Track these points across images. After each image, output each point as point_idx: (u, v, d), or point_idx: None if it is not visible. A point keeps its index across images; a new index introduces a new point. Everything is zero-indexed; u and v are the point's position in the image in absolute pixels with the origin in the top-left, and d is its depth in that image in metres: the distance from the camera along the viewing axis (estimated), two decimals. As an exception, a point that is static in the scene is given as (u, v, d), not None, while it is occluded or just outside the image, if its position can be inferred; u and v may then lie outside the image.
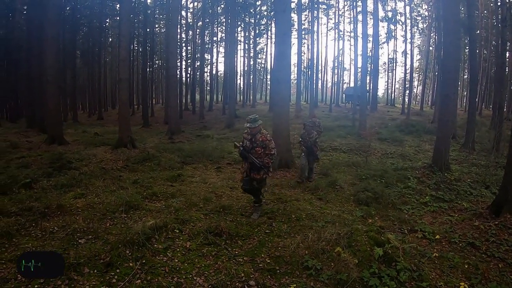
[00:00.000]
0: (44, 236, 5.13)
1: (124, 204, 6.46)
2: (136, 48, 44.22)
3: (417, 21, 42.29)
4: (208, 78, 54.79)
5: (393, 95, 55.34)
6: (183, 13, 41.21)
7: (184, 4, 41.76)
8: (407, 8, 39.35)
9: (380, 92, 64.20)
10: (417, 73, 58.21)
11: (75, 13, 34.12)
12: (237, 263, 4.57)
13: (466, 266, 4.80)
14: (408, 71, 37.18)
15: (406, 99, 33.54)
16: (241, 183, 6.51)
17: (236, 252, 4.89)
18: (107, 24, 44.12)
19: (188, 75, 46.29)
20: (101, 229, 5.47)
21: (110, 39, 50.05)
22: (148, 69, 38.53)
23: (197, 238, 5.24)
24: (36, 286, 3.77)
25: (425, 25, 41.88)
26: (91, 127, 26.71)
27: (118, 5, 34.14)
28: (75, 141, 16.63)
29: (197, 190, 8.08)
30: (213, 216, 6.20)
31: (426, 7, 40.73)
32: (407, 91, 34.65)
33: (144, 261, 4.46)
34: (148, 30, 36.17)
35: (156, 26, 44.96)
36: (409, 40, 39.01)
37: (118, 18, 33.66)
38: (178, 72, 30.93)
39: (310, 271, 4.34)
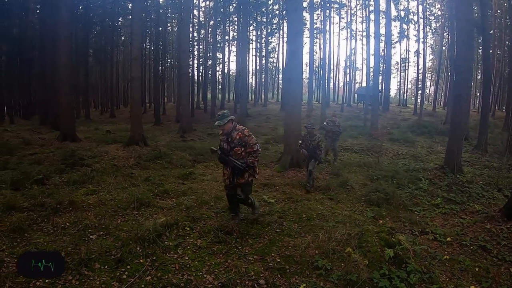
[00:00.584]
0: (56, 232, 5.21)
1: (136, 201, 6.53)
2: (148, 46, 44.45)
3: (430, 20, 41.94)
4: (220, 77, 55.00)
5: (405, 95, 54.92)
6: (195, 12, 41.35)
7: (196, 3, 41.88)
8: (420, 7, 39.07)
9: (392, 92, 63.82)
10: (429, 73, 57.66)
11: (88, 12, 34.37)
12: (247, 261, 4.58)
13: (476, 269, 4.75)
14: (420, 71, 36.89)
15: (419, 100, 33.32)
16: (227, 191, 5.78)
17: (247, 251, 4.90)
18: (120, 23, 44.48)
19: (200, 74, 46.47)
20: (112, 225, 5.54)
21: (123, 38, 50.38)
22: (160, 68, 38.75)
23: (207, 236, 5.27)
24: (47, 280, 3.82)
25: (438, 25, 41.49)
26: (103, 124, 26.92)
27: (130, 4, 34.37)
28: (87, 138, 16.79)
29: (208, 188, 8.12)
30: (224, 214, 6.21)
31: (439, 6, 40.38)
32: (420, 92, 34.40)
33: (154, 257, 4.51)
34: (160, 29, 36.34)
35: (168, 25, 45.18)
36: (421, 40, 38.73)
37: (130, 17, 33.87)
38: (190, 71, 31.01)
39: (320, 271, 4.33)
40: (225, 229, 5.40)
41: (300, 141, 8.85)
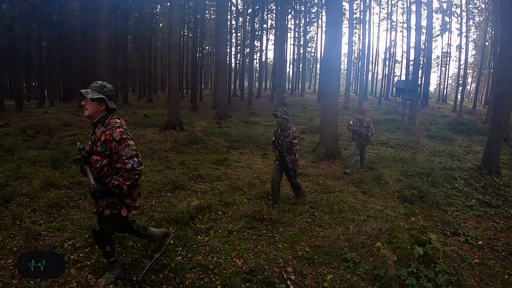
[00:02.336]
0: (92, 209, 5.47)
1: (170, 184, 6.73)
2: (186, 33, 44.95)
3: (473, 13, 40.04)
4: (257, 65, 54.93)
5: (445, 91, 53.05)
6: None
7: (235, -10, 41.89)
8: None
9: (432, 87, 61.95)
10: (471, 69, 55.49)
11: (127, -1, 35.11)
12: (277, 248, 4.65)
13: (506, 277, 4.64)
14: (462, 66, 35.66)
15: (459, 96, 32.05)
16: None
17: (277, 238, 4.97)
18: (158, 10, 45.12)
19: (238, 62, 46.70)
20: (147, 206, 5.75)
21: (161, 25, 51.20)
22: (197, 55, 39.09)
23: (239, 221, 5.38)
24: (81, 254, 4.07)
25: (481, 19, 39.69)
26: (141, 109, 27.58)
27: (168, -8, 34.85)
28: (125, 122, 17.23)
29: (242, 175, 8.24)
30: (256, 201, 6.32)
31: None
32: (460, 88, 33.10)
33: (186, 239, 4.65)
34: (198, 16, 36.63)
35: (206, 12, 45.48)
36: (464, 34, 37.00)
37: (169, 4, 34.36)
38: (227, 58, 31.23)
39: (348, 264, 4.35)
40: (257, 216, 5.49)
41: (273, 138, 6.50)
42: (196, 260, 4.18)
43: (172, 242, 4.56)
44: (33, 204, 5.48)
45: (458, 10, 38.25)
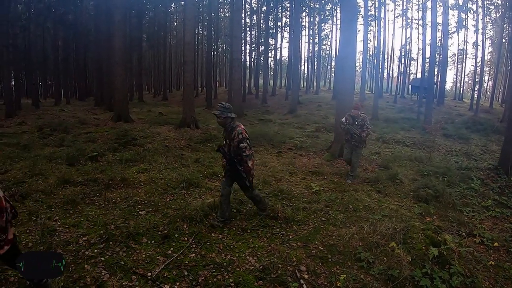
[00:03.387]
0: (107, 206, 5.57)
1: (185, 181, 6.79)
2: (201, 32, 45.11)
3: (490, 10, 38.97)
4: (271, 63, 54.89)
5: (461, 89, 51.96)
6: (248, -3, 41.39)
7: (249, -11, 41.89)
8: None
9: (448, 85, 60.93)
10: (488, 67, 54.33)
11: (141, -2, 35.39)
12: (290, 247, 4.65)
13: (521, 279, 4.54)
14: (478, 64, 34.75)
15: (475, 95, 31.53)
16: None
17: (290, 237, 4.97)
18: (172, 8, 45.34)
19: (252, 60, 46.69)
20: (161, 203, 5.82)
21: (175, 23, 51.47)
22: (212, 53, 39.23)
23: (253, 219, 5.39)
24: (96, 250, 4.13)
25: (498, 15, 38.63)
26: (156, 107, 27.76)
27: (182, -10, 35.08)
28: (140, 119, 17.44)
29: (256, 173, 8.18)
30: (271, 199, 6.30)
31: None
32: (477, 86, 32.55)
33: (200, 236, 4.69)
34: (212, 14, 36.74)
35: (221, 10, 45.53)
36: (480, 31, 36.17)
37: (183, 3, 34.52)
38: (242, 56, 31.18)
39: (362, 263, 4.33)
40: (271, 214, 5.48)
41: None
42: (210, 257, 4.21)
43: (186, 239, 4.60)
44: (49, 201, 5.57)
45: (474, 7, 37.50)
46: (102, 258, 3.99)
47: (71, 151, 8.76)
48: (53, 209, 5.28)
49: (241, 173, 4.96)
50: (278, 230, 5.14)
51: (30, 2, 29.74)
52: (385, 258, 4.42)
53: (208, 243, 4.54)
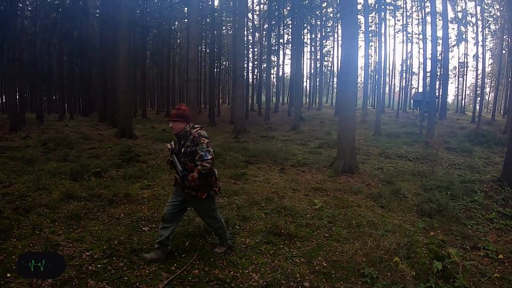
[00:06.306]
0: (110, 221, 5.59)
1: (188, 198, 6.77)
2: (204, 49, 45.63)
3: (489, 22, 39.43)
4: (274, 80, 55.25)
5: (463, 102, 52.04)
6: (250, 15, 42.07)
7: (251, 7, 42.53)
8: (478, 8, 36.66)
9: (450, 98, 60.91)
10: (489, 79, 54.49)
11: (145, 15, 36.18)
12: (294, 263, 4.63)
13: (527, 292, 4.49)
14: (479, 76, 34.89)
15: (477, 107, 31.56)
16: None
17: (294, 253, 4.95)
18: (176, 26, 45.96)
19: (255, 77, 47.05)
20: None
21: (179, 41, 52.02)
22: (215, 70, 39.56)
23: (256, 235, 5.39)
24: (99, 265, 4.12)
25: (497, 27, 38.94)
26: (159, 123, 27.88)
27: (186, 9, 35.65)
28: (144, 136, 17.52)
29: (259, 190, 8.20)
30: (274, 215, 6.31)
31: (498, 7, 37.88)
32: (478, 98, 32.55)
33: (203, 253, 4.68)
34: (215, 32, 37.20)
35: (223, 28, 46.18)
36: (480, 43, 36.44)
37: (186, 20, 35.03)
38: (244, 73, 31.50)
39: (365, 279, 4.30)
40: (274, 230, 5.48)
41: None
42: (213, 273, 4.20)
43: (189, 255, 4.60)
44: (52, 215, 5.60)
45: (473, 20, 37.90)
46: (106, 274, 3.99)
47: (75, 166, 8.79)
48: (56, 224, 5.30)
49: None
50: (281, 246, 5.12)
51: (36, 17, 30.28)
52: (388, 273, 4.38)
53: (212, 259, 4.53)
